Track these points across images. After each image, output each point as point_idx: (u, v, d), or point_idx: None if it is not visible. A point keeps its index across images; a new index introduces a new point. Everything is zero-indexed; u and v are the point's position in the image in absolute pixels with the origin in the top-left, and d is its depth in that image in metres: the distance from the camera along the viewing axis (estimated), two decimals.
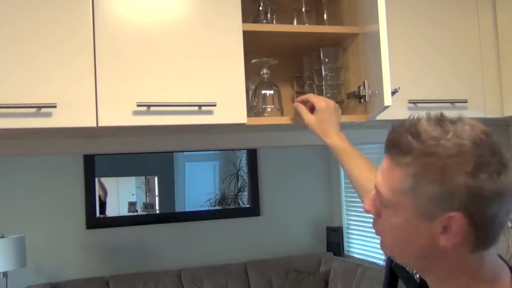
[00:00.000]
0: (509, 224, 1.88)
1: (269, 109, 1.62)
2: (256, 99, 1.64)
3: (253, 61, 1.60)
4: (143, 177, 4.31)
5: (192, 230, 4.18)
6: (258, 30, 1.54)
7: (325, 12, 1.73)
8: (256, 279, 3.97)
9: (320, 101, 1.43)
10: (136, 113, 1.38)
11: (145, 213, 4.25)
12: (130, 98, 1.37)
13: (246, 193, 4.42)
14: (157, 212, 4.29)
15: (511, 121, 1.89)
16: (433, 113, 0.82)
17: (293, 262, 4.09)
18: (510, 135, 2.01)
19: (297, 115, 1.50)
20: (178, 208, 4.34)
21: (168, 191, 4.34)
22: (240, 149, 4.26)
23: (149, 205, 4.29)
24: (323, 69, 1.66)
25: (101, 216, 4.05)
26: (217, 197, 4.39)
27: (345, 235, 4.41)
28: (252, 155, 4.38)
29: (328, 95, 1.65)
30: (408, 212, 0.79)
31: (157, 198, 4.30)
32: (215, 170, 4.52)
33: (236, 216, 4.34)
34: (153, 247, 4.07)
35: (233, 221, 4.31)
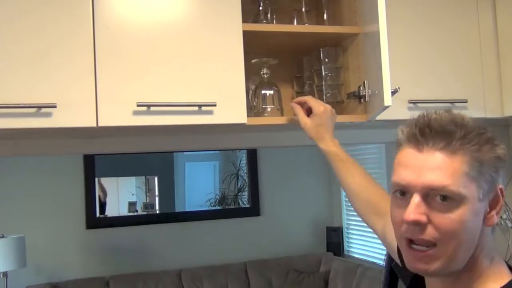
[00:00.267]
0: (509, 224, 1.88)
1: (269, 109, 1.62)
2: (256, 99, 1.64)
3: (253, 61, 1.60)
4: (143, 177, 4.31)
5: (192, 230, 4.18)
6: (258, 30, 1.54)
7: (325, 12, 1.73)
8: (256, 279, 3.97)
9: (318, 106, 1.43)
10: (136, 113, 1.38)
11: (145, 213, 4.25)
12: (130, 98, 1.37)
13: (246, 193, 4.42)
14: (157, 212, 4.30)
15: (511, 121, 1.89)
16: (442, 109, 0.84)
17: (293, 262, 4.09)
18: (510, 135, 2.01)
19: (294, 115, 1.50)
20: (178, 208, 4.34)
21: (168, 191, 4.34)
22: (240, 149, 4.26)
23: (149, 205, 4.29)
24: (323, 69, 1.66)
25: (101, 216, 4.05)
26: (217, 197, 4.39)
27: (345, 235, 4.41)
28: (252, 155, 4.38)
29: (328, 95, 1.65)
30: (473, 199, 0.79)
31: (157, 198, 4.31)
32: (215, 170, 4.52)
33: (236, 216, 4.34)
34: (153, 247, 4.07)
35: (233, 221, 4.31)
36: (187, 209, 4.35)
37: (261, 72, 1.63)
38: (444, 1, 1.75)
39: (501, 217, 1.89)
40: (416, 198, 0.79)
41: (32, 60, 1.31)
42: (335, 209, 4.52)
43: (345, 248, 4.40)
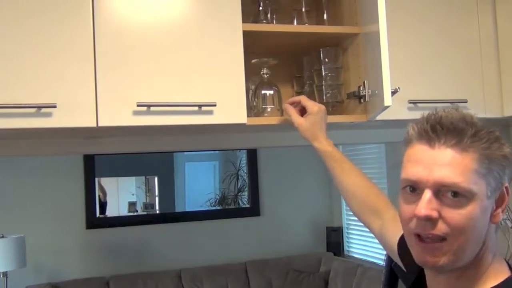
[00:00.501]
0: (509, 224, 1.88)
1: (269, 109, 1.62)
2: (256, 99, 1.64)
3: (253, 61, 1.60)
4: (143, 177, 4.31)
5: (192, 230, 4.18)
6: (258, 30, 1.54)
7: (325, 12, 1.73)
8: (256, 279, 3.97)
9: (312, 105, 1.43)
10: (136, 113, 1.38)
11: (145, 213, 4.25)
12: (130, 98, 1.37)
13: (246, 193, 4.42)
14: (157, 212, 4.30)
15: (511, 121, 1.89)
16: (451, 107, 0.86)
17: (293, 262, 4.09)
18: (510, 135, 2.01)
19: (287, 116, 1.50)
20: (178, 208, 4.34)
21: (168, 191, 4.34)
22: (240, 149, 4.26)
23: (149, 205, 4.29)
24: (323, 69, 1.66)
25: (101, 216, 4.05)
26: (217, 197, 4.39)
27: (345, 235, 4.41)
28: (252, 155, 4.39)
29: (328, 95, 1.65)
30: (482, 195, 0.80)
31: (157, 198, 4.31)
32: (215, 170, 4.52)
33: (236, 216, 4.34)
34: (153, 247, 4.07)
35: (233, 221, 4.31)
36: (187, 209, 4.35)
37: (261, 72, 1.63)
38: (445, 2, 1.75)
39: None
40: (427, 194, 0.80)
41: (32, 60, 1.31)
42: (335, 209, 4.52)
43: (345, 248, 4.40)
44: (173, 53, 1.42)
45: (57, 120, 1.31)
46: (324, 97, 1.65)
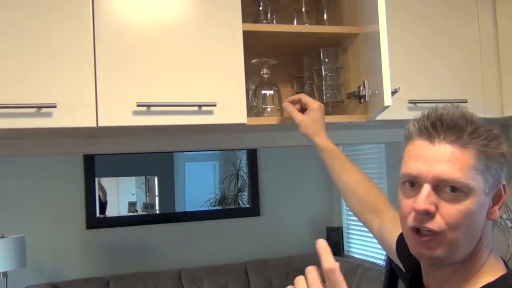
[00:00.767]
0: (509, 224, 1.88)
1: (269, 109, 1.62)
2: (256, 99, 1.64)
3: (253, 61, 1.60)
4: (143, 177, 4.31)
5: (192, 230, 4.19)
6: (258, 30, 1.54)
7: (325, 12, 1.73)
8: (256, 279, 3.97)
9: (313, 102, 1.45)
10: (136, 113, 1.38)
11: (145, 213, 4.25)
12: (130, 98, 1.37)
13: (246, 193, 4.42)
14: (157, 212, 4.30)
15: (511, 121, 1.89)
16: (451, 105, 0.87)
17: (293, 262, 4.09)
18: (510, 135, 2.01)
19: (287, 114, 1.50)
20: (178, 208, 4.34)
21: (168, 191, 4.34)
22: (240, 149, 4.26)
23: (149, 205, 4.29)
24: (323, 69, 1.66)
25: (101, 216, 4.05)
26: (217, 197, 4.39)
27: (345, 235, 4.41)
28: (252, 155, 4.39)
29: (328, 95, 1.65)
30: (479, 191, 0.82)
31: (157, 198, 4.31)
32: (215, 170, 4.52)
33: (236, 216, 4.34)
34: (153, 247, 4.07)
35: (233, 221, 4.31)
36: (187, 209, 4.35)
37: (261, 72, 1.63)
38: (445, 2, 1.75)
39: (501, 217, 1.89)
40: (426, 188, 0.82)
41: (32, 60, 1.31)
42: (335, 209, 4.52)
43: (345, 248, 4.40)
44: (173, 53, 1.42)
45: (57, 120, 1.31)
46: (324, 97, 1.65)
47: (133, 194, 4.25)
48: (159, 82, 1.41)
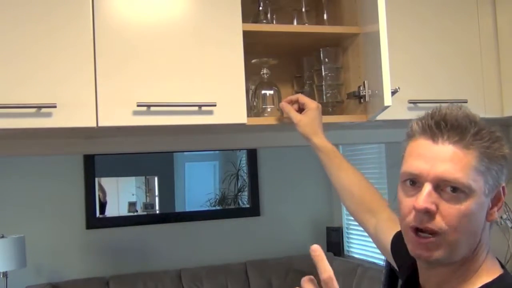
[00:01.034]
0: (509, 224, 1.88)
1: (269, 109, 1.62)
2: (256, 99, 1.64)
3: (253, 61, 1.60)
4: (143, 177, 4.31)
5: (192, 230, 4.19)
6: (258, 30, 1.54)
7: (325, 12, 1.73)
8: (256, 279, 3.97)
9: (310, 102, 1.45)
10: (136, 113, 1.38)
11: (145, 213, 4.25)
12: (130, 98, 1.37)
13: (246, 193, 4.42)
14: (157, 212, 4.30)
15: (511, 121, 1.89)
16: (454, 105, 0.87)
17: (293, 262, 4.09)
18: (510, 135, 2.01)
19: (285, 114, 1.50)
20: (178, 208, 4.34)
21: (168, 191, 4.34)
22: (240, 149, 4.26)
23: (149, 205, 4.29)
24: (323, 69, 1.66)
25: (101, 216, 4.05)
26: (217, 197, 4.39)
27: (345, 235, 4.41)
28: (252, 155, 4.39)
29: (328, 95, 1.65)
30: (480, 192, 0.82)
31: (157, 198, 4.31)
32: (215, 170, 4.52)
33: (236, 216, 4.34)
34: (153, 247, 4.07)
35: (233, 221, 4.31)
36: (187, 209, 4.35)
37: (261, 72, 1.63)
38: (445, 2, 1.75)
39: (501, 217, 1.89)
40: (427, 187, 0.82)
41: (32, 60, 1.31)
42: (335, 209, 4.52)
43: (345, 248, 4.40)
44: (173, 53, 1.42)
45: (57, 120, 1.31)
46: (324, 97, 1.65)
47: (133, 194, 4.25)
48: (159, 82, 1.41)
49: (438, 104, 0.88)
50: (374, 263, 3.86)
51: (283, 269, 4.02)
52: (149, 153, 3.84)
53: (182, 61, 1.43)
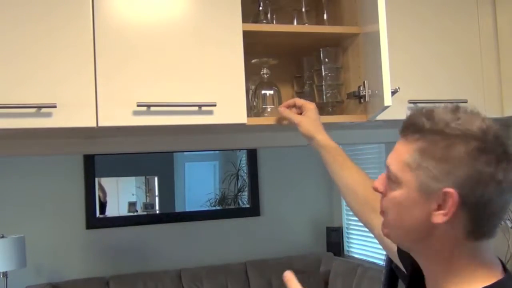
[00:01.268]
0: (509, 224, 1.88)
1: (269, 109, 1.62)
2: (256, 99, 1.64)
3: (253, 61, 1.60)
4: (143, 177, 4.31)
5: (192, 230, 4.18)
6: (258, 30, 1.54)
7: (325, 12, 1.73)
8: (256, 279, 3.97)
9: (307, 103, 1.47)
10: (136, 113, 1.38)
11: (145, 213, 4.25)
12: (130, 98, 1.37)
13: (246, 193, 4.42)
14: (157, 212, 4.29)
15: (511, 121, 1.89)
16: (450, 104, 0.87)
17: (293, 262, 4.08)
18: (510, 135, 2.01)
19: (283, 120, 1.50)
20: (178, 208, 4.34)
21: (168, 191, 4.34)
22: (240, 149, 4.26)
23: (149, 205, 4.29)
24: (323, 69, 1.66)
25: (101, 216, 4.05)
26: (217, 197, 4.39)
27: (345, 235, 4.41)
28: (252, 155, 4.38)
29: (328, 95, 1.65)
30: (411, 187, 0.84)
31: (157, 198, 4.30)
32: (215, 170, 4.52)
33: (236, 216, 4.34)
34: (153, 247, 4.07)
35: (233, 221, 4.31)
36: (187, 209, 4.35)
37: (261, 72, 1.63)
38: (445, 2, 1.75)
39: None
40: (383, 173, 0.91)
41: (32, 60, 1.31)
42: (335, 209, 4.52)
43: (345, 248, 4.40)
44: (173, 53, 1.42)
45: (57, 120, 1.31)
46: (324, 97, 1.65)
47: (133, 194, 4.25)
48: (159, 82, 1.41)
49: (435, 106, 0.88)
50: (374, 263, 3.86)
51: (283, 269, 3.96)
52: (149, 153, 3.84)
53: (182, 61, 1.43)
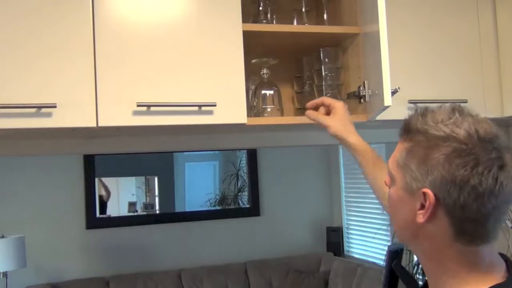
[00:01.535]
0: (509, 224, 1.88)
1: (269, 109, 1.62)
2: (256, 99, 1.64)
3: (253, 61, 1.60)
4: (143, 177, 4.31)
5: (192, 230, 4.19)
6: (258, 30, 1.54)
7: (325, 12, 1.73)
8: (256, 279, 3.97)
9: (336, 101, 1.41)
10: (136, 113, 1.38)
11: (145, 213, 4.25)
12: (130, 98, 1.37)
13: (246, 193, 4.42)
14: (157, 212, 4.30)
15: (511, 121, 1.89)
16: (453, 104, 0.87)
17: (293, 262, 4.09)
18: (510, 135, 2.01)
19: (312, 121, 1.44)
20: (178, 208, 4.34)
21: (168, 191, 4.34)
22: (240, 149, 4.26)
23: (149, 205, 4.29)
24: (323, 69, 1.66)
25: (101, 216, 4.05)
26: (217, 197, 4.39)
27: (345, 235, 4.41)
28: (252, 155, 4.38)
29: (328, 95, 1.65)
30: (399, 185, 0.86)
31: (157, 198, 4.31)
32: (215, 170, 4.52)
33: (236, 216, 4.34)
34: (153, 247, 4.07)
35: (233, 221, 4.31)
36: (187, 209, 4.35)
37: (261, 72, 1.63)
38: (445, 2, 1.75)
39: None
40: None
41: (32, 60, 1.31)
42: (335, 209, 4.52)
43: (345, 248, 4.40)
44: (173, 53, 1.42)
45: (57, 120, 1.31)
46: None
47: (133, 194, 4.25)
48: (159, 82, 1.41)
49: (435, 106, 0.88)
50: (374, 263, 3.86)
51: (283, 269, 4.02)
52: (149, 153, 3.84)
53: (182, 61, 1.43)
